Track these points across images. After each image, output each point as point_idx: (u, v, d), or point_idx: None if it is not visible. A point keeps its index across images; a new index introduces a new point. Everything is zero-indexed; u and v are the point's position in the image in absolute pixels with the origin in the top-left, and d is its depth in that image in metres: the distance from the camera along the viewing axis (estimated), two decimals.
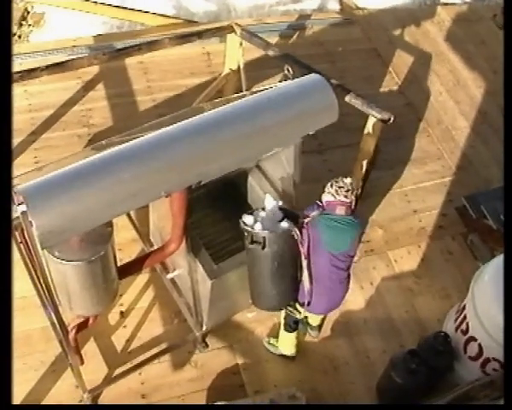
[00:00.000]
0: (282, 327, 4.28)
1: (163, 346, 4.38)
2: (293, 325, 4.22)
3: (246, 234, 3.69)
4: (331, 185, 3.72)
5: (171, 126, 3.36)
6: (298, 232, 3.67)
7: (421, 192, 5.66)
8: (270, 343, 4.47)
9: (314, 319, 4.42)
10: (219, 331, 4.51)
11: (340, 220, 3.69)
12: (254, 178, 4.49)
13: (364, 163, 4.78)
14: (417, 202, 5.58)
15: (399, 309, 4.82)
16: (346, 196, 3.68)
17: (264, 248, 3.63)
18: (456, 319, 4.41)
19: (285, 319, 4.20)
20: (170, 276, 4.44)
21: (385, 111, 4.54)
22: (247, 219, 3.73)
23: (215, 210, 4.55)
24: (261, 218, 3.75)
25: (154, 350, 4.34)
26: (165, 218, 3.79)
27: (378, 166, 5.08)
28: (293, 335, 4.31)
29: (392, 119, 4.53)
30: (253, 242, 3.66)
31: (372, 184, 5.19)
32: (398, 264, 5.10)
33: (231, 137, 3.40)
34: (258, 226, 3.68)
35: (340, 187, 3.69)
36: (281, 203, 3.86)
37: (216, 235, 4.39)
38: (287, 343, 4.39)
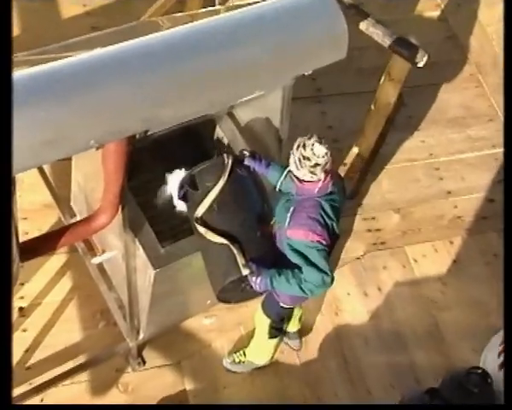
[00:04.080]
0: (263, 335, 4.37)
1: (80, 360, 4.44)
2: (279, 327, 4.37)
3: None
4: (299, 162, 3.63)
5: (108, 47, 3.37)
6: (229, 157, 3.93)
7: (459, 166, 5.75)
8: (235, 362, 4.58)
9: (291, 323, 4.56)
10: (162, 342, 4.59)
11: (337, 199, 3.81)
12: (224, 129, 4.54)
13: (380, 120, 4.84)
14: (453, 179, 5.68)
15: (416, 327, 4.95)
16: (325, 172, 3.67)
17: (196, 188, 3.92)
18: (500, 353, 4.42)
19: (270, 324, 4.29)
20: (97, 260, 4.49)
21: (416, 46, 4.58)
22: None
23: (167, 171, 4.59)
24: None
25: (66, 366, 4.39)
26: (94, 178, 3.83)
27: (399, 125, 5.16)
28: (277, 339, 4.46)
29: (426, 59, 4.58)
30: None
31: (388, 150, 5.26)
32: (418, 265, 5.22)
33: (195, 71, 3.43)
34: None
35: (314, 165, 3.61)
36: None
37: (166, 206, 4.44)
38: (266, 351, 4.52)
